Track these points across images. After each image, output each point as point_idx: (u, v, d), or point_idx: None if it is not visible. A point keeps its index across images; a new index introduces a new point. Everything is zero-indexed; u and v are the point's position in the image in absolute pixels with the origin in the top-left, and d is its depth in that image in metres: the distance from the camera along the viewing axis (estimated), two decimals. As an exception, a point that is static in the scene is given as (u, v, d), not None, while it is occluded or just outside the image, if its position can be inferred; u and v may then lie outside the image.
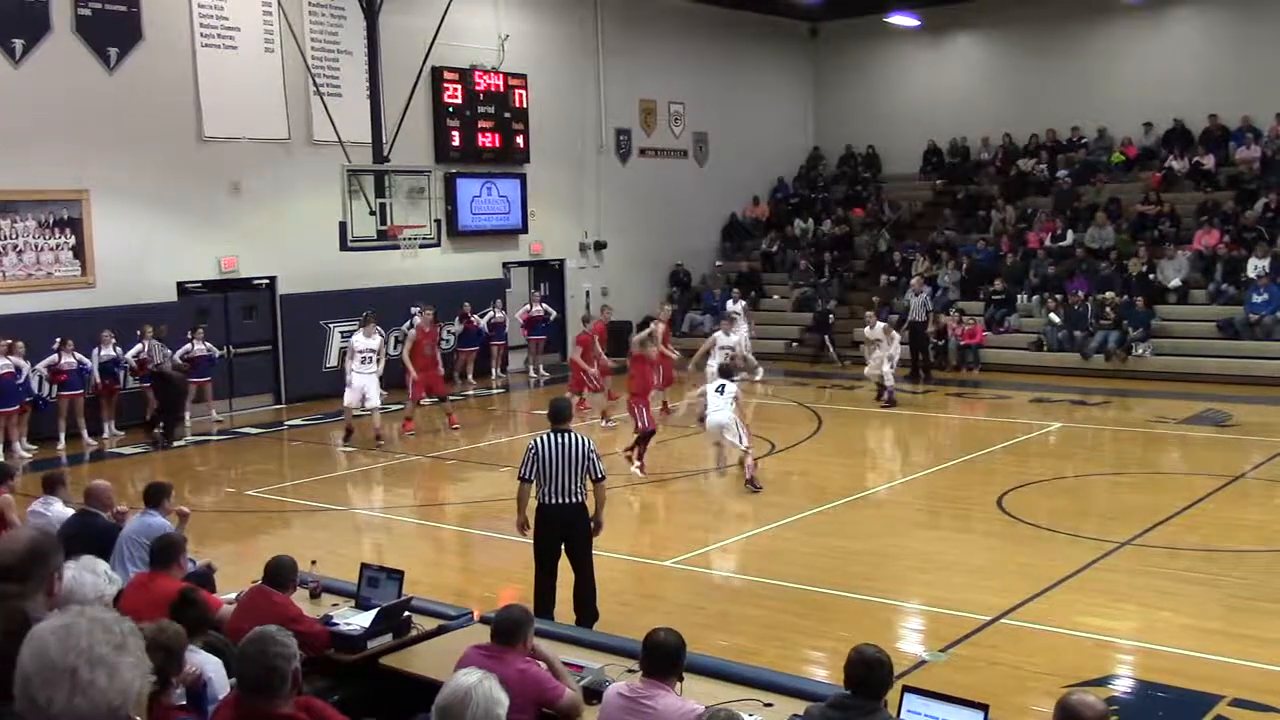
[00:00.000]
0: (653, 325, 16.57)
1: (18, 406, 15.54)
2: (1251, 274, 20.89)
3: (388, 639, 6.32)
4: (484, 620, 6.43)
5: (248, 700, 4.13)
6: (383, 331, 16.87)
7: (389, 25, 17.93)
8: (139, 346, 16.67)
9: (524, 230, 23.21)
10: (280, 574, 6.33)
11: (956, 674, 7.37)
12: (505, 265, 23.21)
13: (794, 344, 24.23)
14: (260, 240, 18.94)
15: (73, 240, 16.94)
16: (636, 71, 25.22)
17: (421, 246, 18.21)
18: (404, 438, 16.34)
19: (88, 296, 16.98)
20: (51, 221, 16.75)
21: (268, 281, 19.41)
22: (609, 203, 24.96)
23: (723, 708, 4.41)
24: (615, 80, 24.85)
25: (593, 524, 8.27)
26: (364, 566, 7.04)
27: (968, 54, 27.95)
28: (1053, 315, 21.70)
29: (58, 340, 15.96)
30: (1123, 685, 7.45)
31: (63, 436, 16.15)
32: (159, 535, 6.94)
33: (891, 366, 18.34)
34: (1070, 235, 23.63)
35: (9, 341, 15.41)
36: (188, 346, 17.40)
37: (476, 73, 22.01)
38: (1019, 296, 22.88)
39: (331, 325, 20.01)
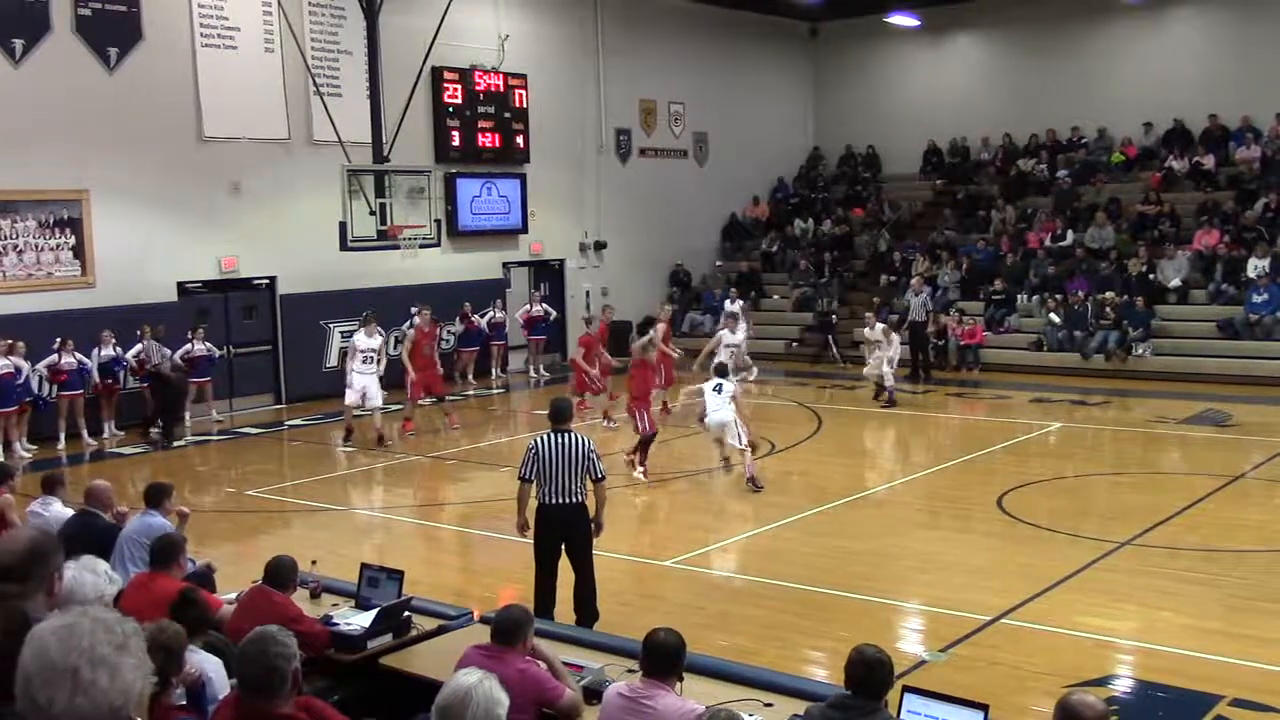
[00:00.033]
0: (652, 331, 16.42)
1: (18, 406, 15.54)
2: (1251, 274, 20.89)
3: (388, 639, 6.32)
4: (484, 620, 6.43)
5: (248, 700, 4.13)
6: (383, 331, 16.87)
7: (389, 25, 17.94)
8: (139, 346, 16.68)
9: (524, 230, 23.22)
10: (280, 574, 6.33)
11: (956, 674, 7.37)
12: (505, 265, 23.22)
13: (794, 344, 24.23)
14: (260, 240, 18.94)
15: (73, 240, 16.94)
16: (636, 71, 25.23)
17: (421, 246, 18.22)
18: (404, 438, 16.34)
19: (88, 296, 16.99)
20: (51, 221, 16.75)
21: (268, 281, 19.41)
22: (609, 203, 24.97)
23: (723, 708, 4.41)
24: (615, 80, 24.86)
25: (594, 525, 8.28)
26: (364, 566, 7.04)
27: (968, 54, 27.95)
28: (1053, 315, 21.70)
29: (58, 340, 15.96)
30: (1123, 685, 7.45)
31: (63, 436, 16.15)
32: (159, 535, 6.94)
33: (891, 367, 18.34)
34: (1070, 235, 23.64)
35: (9, 341, 15.41)
36: (188, 346, 17.40)
37: (476, 73, 22.02)
38: (1019, 296, 22.88)
39: (331, 325, 20.02)
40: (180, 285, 18.28)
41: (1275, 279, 20.55)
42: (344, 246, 16.98)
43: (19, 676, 2.17)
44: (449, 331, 20.97)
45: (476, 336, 21.50)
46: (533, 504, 8.22)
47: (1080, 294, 21.60)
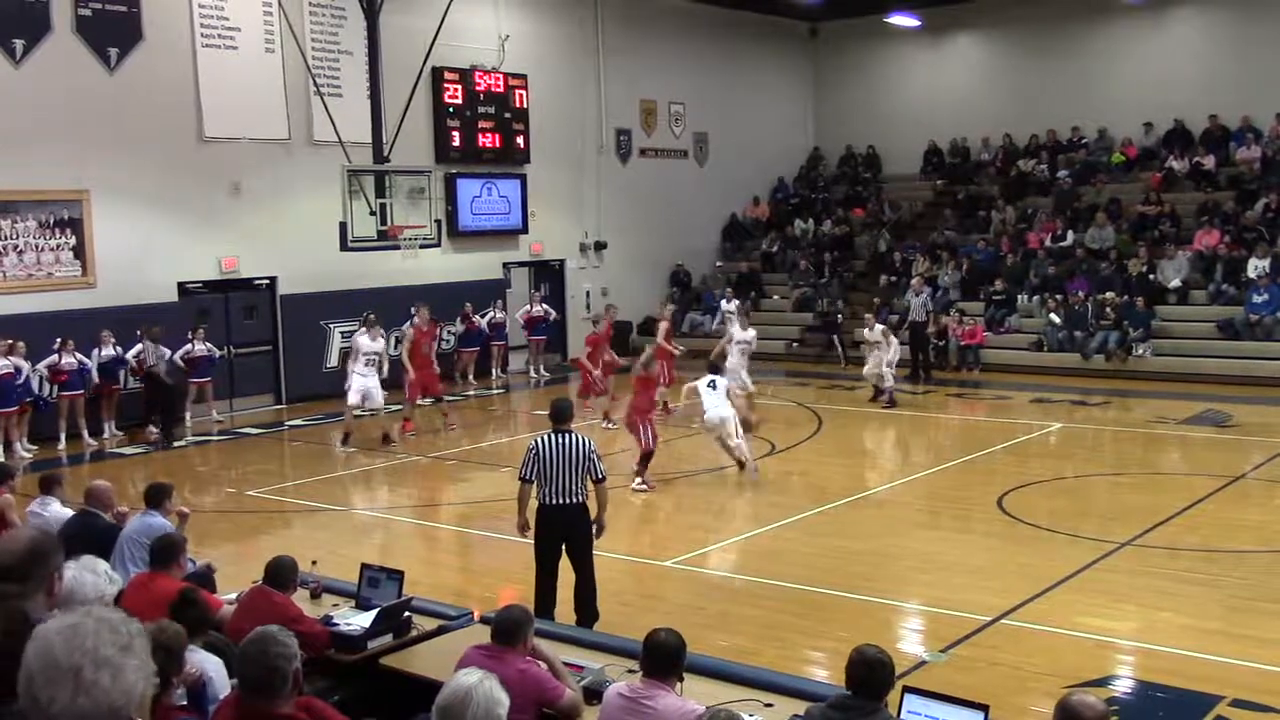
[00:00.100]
0: (649, 349, 15.78)
1: (18, 407, 15.54)
2: (1252, 274, 20.89)
3: (388, 639, 6.32)
4: (484, 620, 6.43)
5: (248, 700, 4.13)
6: (385, 334, 16.85)
7: (389, 25, 17.94)
8: (139, 347, 16.69)
9: (524, 230, 23.22)
10: (281, 574, 6.33)
11: (957, 674, 7.37)
12: (505, 265, 23.22)
13: (794, 344, 24.23)
14: (260, 240, 18.94)
15: (73, 240, 16.94)
16: (636, 71, 25.23)
17: (422, 247, 18.22)
18: (404, 438, 16.34)
19: (88, 297, 16.99)
20: (52, 222, 16.75)
21: (268, 282, 19.42)
22: (609, 203, 24.97)
23: (723, 708, 4.41)
24: (615, 80, 24.86)
25: (595, 526, 8.28)
26: (364, 567, 7.04)
27: (968, 54, 27.95)
28: (1053, 315, 21.70)
29: (58, 340, 15.96)
30: (1123, 685, 7.46)
31: (63, 437, 16.16)
32: (159, 535, 6.94)
33: (890, 369, 18.34)
34: (1070, 235, 23.64)
35: (9, 342, 15.41)
36: (188, 347, 17.39)
37: (477, 73, 22.02)
38: (1019, 297, 22.89)
39: (332, 325, 20.02)
40: (180, 285, 18.28)
41: (1275, 279, 20.55)
42: (344, 247, 16.98)
43: (22, 675, 2.18)
44: (449, 332, 20.98)
45: (477, 337, 21.50)
46: (533, 504, 8.22)
47: (1080, 294, 21.60)
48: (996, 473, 13.72)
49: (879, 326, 18.79)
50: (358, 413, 16.17)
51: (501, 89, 22.46)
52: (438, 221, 18.51)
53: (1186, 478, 13.41)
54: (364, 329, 16.40)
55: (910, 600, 9.35)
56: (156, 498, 7.85)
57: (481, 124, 22.17)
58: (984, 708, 4.69)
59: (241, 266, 18.97)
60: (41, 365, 15.85)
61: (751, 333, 17.64)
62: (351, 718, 4.54)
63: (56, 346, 15.95)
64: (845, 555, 10.47)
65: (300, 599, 6.65)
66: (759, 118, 28.22)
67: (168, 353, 17.01)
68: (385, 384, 16.41)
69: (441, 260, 20.95)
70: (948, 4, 26.24)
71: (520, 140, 22.86)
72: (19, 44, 16.27)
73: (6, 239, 16.32)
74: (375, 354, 16.10)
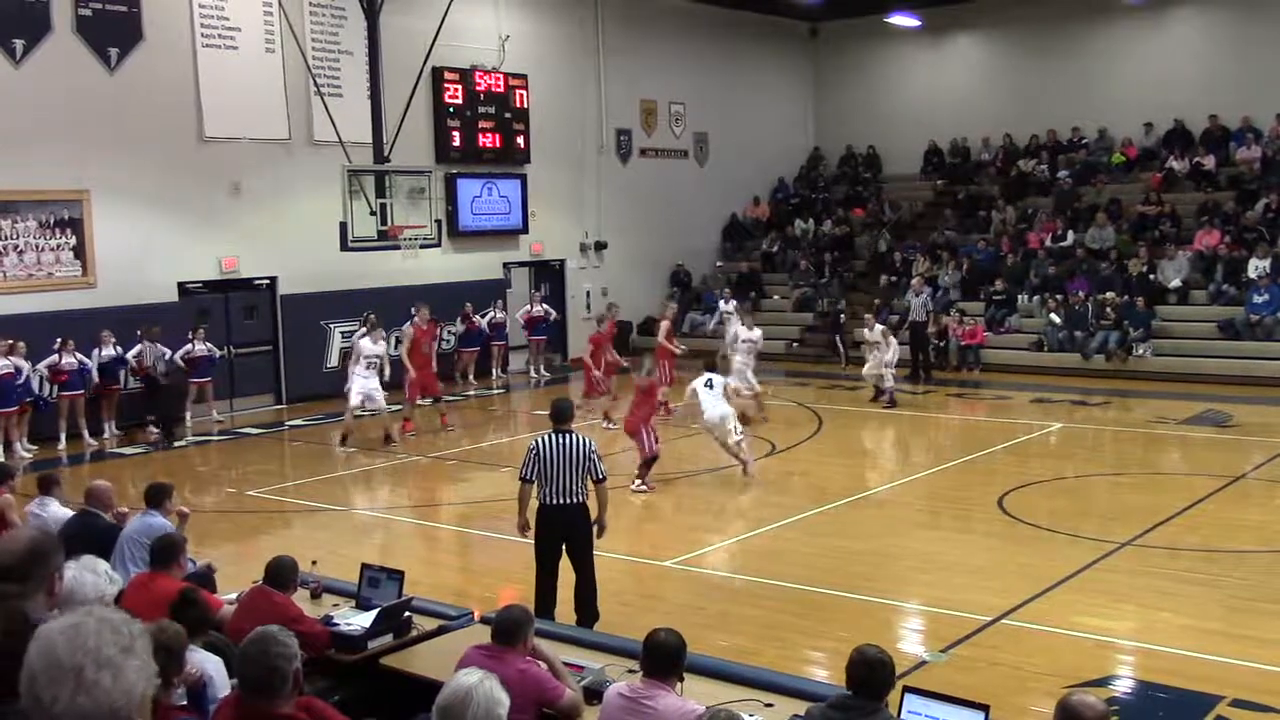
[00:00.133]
0: (648, 360, 15.55)
1: (18, 407, 15.55)
2: (1252, 274, 20.89)
3: (388, 639, 6.32)
4: (484, 620, 6.43)
5: (249, 700, 4.13)
6: (386, 338, 16.84)
7: (389, 25, 17.94)
8: (139, 347, 16.69)
9: (524, 230, 23.22)
10: (281, 574, 6.33)
11: (957, 674, 7.37)
12: (506, 265, 23.22)
13: (794, 344, 24.23)
14: (261, 240, 18.94)
15: (73, 240, 16.94)
16: (636, 71, 25.23)
17: (422, 247, 18.22)
18: (404, 438, 16.34)
19: (88, 297, 16.99)
20: (52, 222, 16.75)
21: (268, 282, 19.42)
22: (609, 203, 24.97)
23: (723, 708, 4.41)
24: (615, 80, 24.86)
25: (596, 526, 8.28)
26: (364, 567, 7.04)
27: (968, 54, 27.95)
28: (1053, 315, 21.70)
29: (58, 340, 15.96)
30: (1123, 685, 7.46)
31: (63, 437, 16.16)
32: (159, 535, 6.94)
33: (889, 369, 18.34)
34: (1071, 236, 23.64)
35: (9, 342, 15.41)
36: (188, 347, 17.39)
37: (477, 73, 22.02)
38: (1019, 297, 22.89)
39: (332, 325, 20.02)
40: (181, 285, 18.28)
41: (1276, 279, 20.55)
42: (344, 247, 16.98)
43: (24, 674, 2.18)
44: (450, 332, 20.98)
45: (477, 337, 21.50)
46: (534, 504, 8.22)
47: (1081, 294, 21.60)
48: (997, 473, 13.73)
49: (879, 327, 18.79)
50: (358, 413, 16.16)
51: (502, 89, 22.46)
52: (438, 221, 18.51)
53: (1187, 478, 13.41)
54: (365, 331, 16.39)
55: (910, 600, 9.36)
56: (156, 498, 7.85)
57: (482, 124, 22.17)
58: (984, 708, 4.70)
59: (242, 266, 18.97)
60: (42, 365, 15.85)
61: (758, 332, 17.66)
62: (352, 718, 4.54)
63: (57, 346, 15.95)
64: (845, 555, 10.47)
65: (300, 599, 6.65)
66: (759, 118, 28.22)
67: (167, 352, 17.01)
68: (386, 384, 16.42)
69: (442, 260, 20.95)
70: (948, 4, 26.24)
71: (520, 140, 22.86)
72: (19, 44, 16.27)
73: (6, 239, 16.33)
74: (377, 357, 16.09)
